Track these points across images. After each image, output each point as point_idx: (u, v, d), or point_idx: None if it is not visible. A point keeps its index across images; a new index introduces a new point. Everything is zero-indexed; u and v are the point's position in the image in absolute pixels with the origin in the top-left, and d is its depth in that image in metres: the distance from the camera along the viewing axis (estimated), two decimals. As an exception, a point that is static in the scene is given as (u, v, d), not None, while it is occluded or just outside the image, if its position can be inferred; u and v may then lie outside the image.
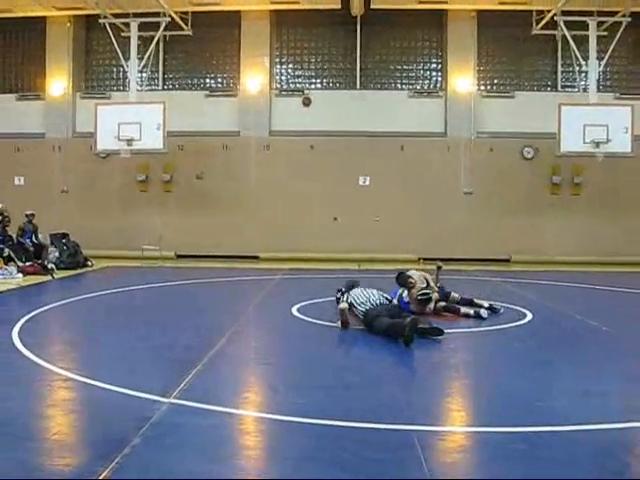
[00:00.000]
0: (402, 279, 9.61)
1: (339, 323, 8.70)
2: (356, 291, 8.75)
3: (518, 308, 10.42)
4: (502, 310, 9.85)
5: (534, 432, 4.66)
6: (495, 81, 20.46)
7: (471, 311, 9.57)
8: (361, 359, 7.43)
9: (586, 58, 17.81)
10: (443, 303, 9.78)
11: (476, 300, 10.08)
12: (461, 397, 6.03)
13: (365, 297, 8.53)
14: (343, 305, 8.64)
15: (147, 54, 18.76)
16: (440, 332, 7.94)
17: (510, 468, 4.06)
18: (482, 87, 20.31)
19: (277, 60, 20.93)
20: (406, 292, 9.59)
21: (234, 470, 4.05)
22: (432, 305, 9.49)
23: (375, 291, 8.80)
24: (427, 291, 9.38)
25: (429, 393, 5.91)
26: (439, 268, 10.71)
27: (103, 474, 3.81)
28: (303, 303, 10.75)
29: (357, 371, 6.66)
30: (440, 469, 4.06)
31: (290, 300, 11.02)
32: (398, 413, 5.11)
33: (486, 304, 9.93)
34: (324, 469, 4.03)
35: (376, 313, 8.18)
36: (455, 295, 10.07)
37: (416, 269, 10.83)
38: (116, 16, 18.52)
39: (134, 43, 18.50)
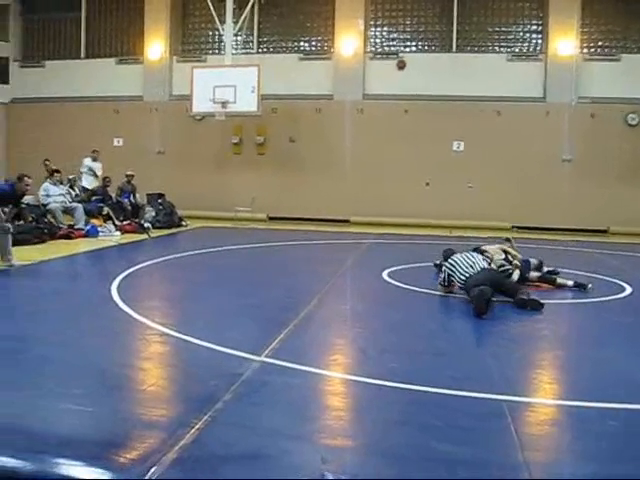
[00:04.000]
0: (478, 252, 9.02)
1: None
2: (456, 260, 8.41)
3: (616, 281, 10.03)
4: (590, 286, 9.17)
5: (630, 409, 4.50)
6: (599, 43, 19.49)
7: (569, 282, 9.27)
8: (453, 326, 7.34)
9: (700, 19, 16.81)
10: (537, 273, 9.50)
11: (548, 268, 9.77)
12: (554, 369, 5.88)
13: (467, 266, 8.20)
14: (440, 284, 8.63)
15: (242, 17, 18.87)
16: (540, 305, 7.73)
17: (603, 444, 3.92)
18: (585, 50, 19.40)
19: (372, 22, 20.63)
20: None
21: (322, 429, 4.07)
22: (516, 276, 9.13)
23: (477, 255, 8.49)
24: (508, 267, 8.98)
25: (521, 364, 5.76)
26: (508, 240, 10.19)
27: (196, 426, 3.92)
28: (394, 268, 10.69)
29: (448, 338, 6.60)
30: (531, 440, 3.97)
31: (381, 265, 10.97)
32: (489, 382, 5.02)
33: (545, 269, 9.66)
34: (413, 434, 4.01)
35: (475, 282, 7.87)
36: (533, 261, 9.75)
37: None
38: (212, -20, 18.69)
39: (230, 6, 18.65)
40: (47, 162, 17.16)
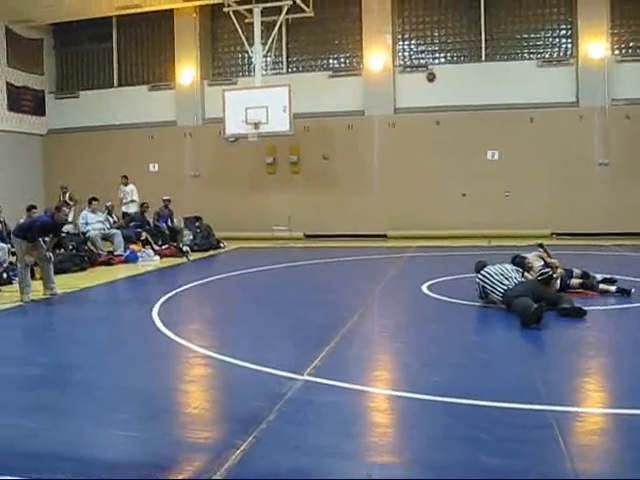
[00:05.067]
0: (518, 260, 8.99)
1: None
2: (488, 271, 8.43)
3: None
4: (634, 291, 8.98)
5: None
6: (631, 44, 19.18)
7: (612, 288, 9.11)
8: (495, 337, 7.27)
9: None
10: (579, 280, 9.36)
11: (591, 274, 9.55)
12: (600, 377, 5.78)
13: (500, 276, 8.23)
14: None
15: (270, 38, 19.05)
16: (582, 312, 7.64)
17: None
18: (616, 51, 19.12)
19: (399, 36, 20.63)
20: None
21: (367, 446, 4.06)
22: (558, 283, 9.03)
23: (510, 267, 8.50)
24: (546, 270, 8.88)
25: (566, 373, 5.67)
26: (540, 246, 10.00)
27: (242, 447, 3.93)
28: (433, 281, 10.63)
29: (491, 350, 6.54)
30: (580, 451, 3.90)
31: (420, 278, 10.92)
32: (534, 393, 4.95)
33: (599, 277, 9.47)
34: (459, 448, 3.97)
35: (515, 294, 7.83)
36: (576, 271, 9.60)
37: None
38: (239, 3, 18.92)
39: (258, 28, 18.84)
40: (64, 189, 17.43)
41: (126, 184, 18.53)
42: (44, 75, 22.52)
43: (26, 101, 21.69)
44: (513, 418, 4.44)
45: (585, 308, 7.73)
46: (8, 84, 20.71)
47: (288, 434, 4.21)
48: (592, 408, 4.80)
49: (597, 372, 5.88)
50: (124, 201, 18.28)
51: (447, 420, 4.46)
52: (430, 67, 20.08)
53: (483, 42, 19.88)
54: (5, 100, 20.58)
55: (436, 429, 4.30)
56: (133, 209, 18.13)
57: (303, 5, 19.16)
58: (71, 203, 16.46)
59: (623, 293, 8.96)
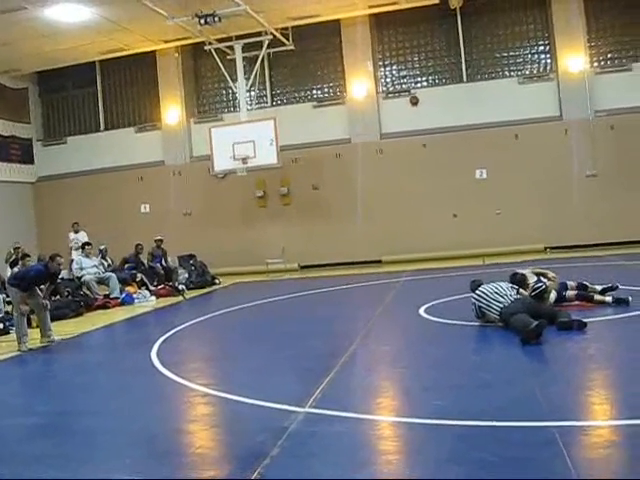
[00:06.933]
0: (519, 278, 8.87)
1: None
2: (483, 290, 8.45)
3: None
4: (631, 300, 8.99)
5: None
6: (609, 55, 19.42)
7: (607, 298, 9.12)
8: (494, 356, 7.24)
9: None
10: (574, 291, 9.35)
11: (590, 286, 9.53)
12: (603, 389, 5.73)
13: (495, 294, 8.23)
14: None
15: (253, 73, 19.24)
16: (582, 325, 7.63)
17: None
18: (595, 63, 19.36)
19: (380, 63, 20.86)
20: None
21: (374, 475, 4.03)
22: (553, 296, 9.02)
23: (504, 285, 8.50)
24: (539, 284, 8.85)
25: (568, 387, 5.66)
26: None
27: (247, 485, 3.91)
28: (430, 303, 10.63)
29: (491, 369, 6.50)
30: (586, 466, 3.88)
31: (416, 301, 10.91)
32: (537, 409, 4.94)
33: (599, 288, 9.46)
34: (467, 470, 3.95)
35: (512, 311, 7.82)
36: (571, 283, 9.59)
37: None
38: (220, 41, 19.12)
39: (240, 64, 19.02)
40: (17, 246, 16.36)
41: (77, 231, 18.30)
42: (31, 123, 22.65)
43: (14, 150, 21.78)
44: (517, 436, 4.42)
45: (584, 320, 7.72)
46: (-5, 135, 20.83)
47: (293, 468, 4.17)
48: (596, 421, 4.77)
49: (600, 384, 5.86)
50: (74, 248, 17.67)
51: (452, 443, 4.43)
52: (413, 91, 20.29)
53: (463, 63, 20.11)
54: (-7, 151, 20.68)
55: (442, 453, 4.28)
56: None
57: (283, 39, 19.39)
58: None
59: (620, 302, 8.95)
